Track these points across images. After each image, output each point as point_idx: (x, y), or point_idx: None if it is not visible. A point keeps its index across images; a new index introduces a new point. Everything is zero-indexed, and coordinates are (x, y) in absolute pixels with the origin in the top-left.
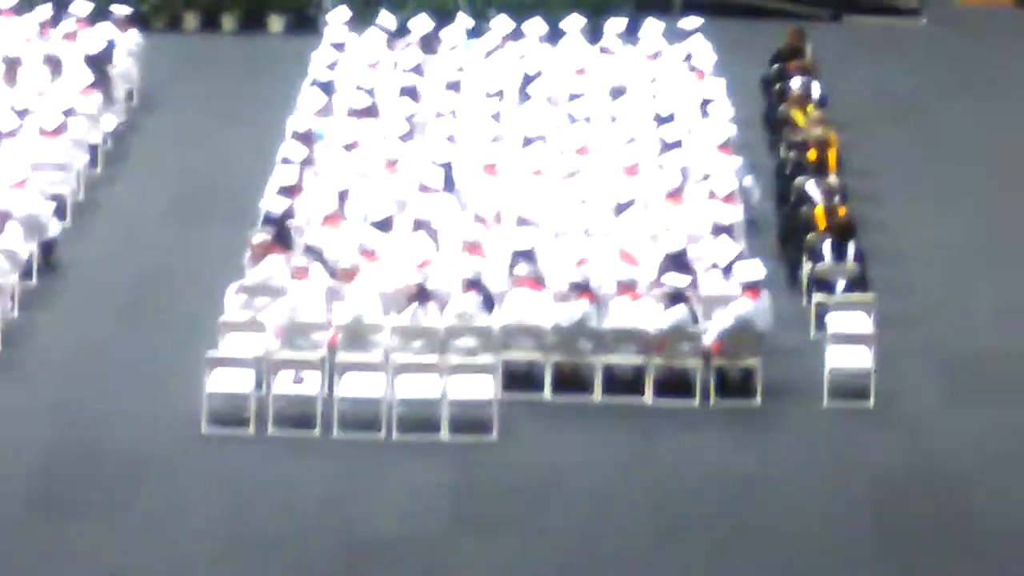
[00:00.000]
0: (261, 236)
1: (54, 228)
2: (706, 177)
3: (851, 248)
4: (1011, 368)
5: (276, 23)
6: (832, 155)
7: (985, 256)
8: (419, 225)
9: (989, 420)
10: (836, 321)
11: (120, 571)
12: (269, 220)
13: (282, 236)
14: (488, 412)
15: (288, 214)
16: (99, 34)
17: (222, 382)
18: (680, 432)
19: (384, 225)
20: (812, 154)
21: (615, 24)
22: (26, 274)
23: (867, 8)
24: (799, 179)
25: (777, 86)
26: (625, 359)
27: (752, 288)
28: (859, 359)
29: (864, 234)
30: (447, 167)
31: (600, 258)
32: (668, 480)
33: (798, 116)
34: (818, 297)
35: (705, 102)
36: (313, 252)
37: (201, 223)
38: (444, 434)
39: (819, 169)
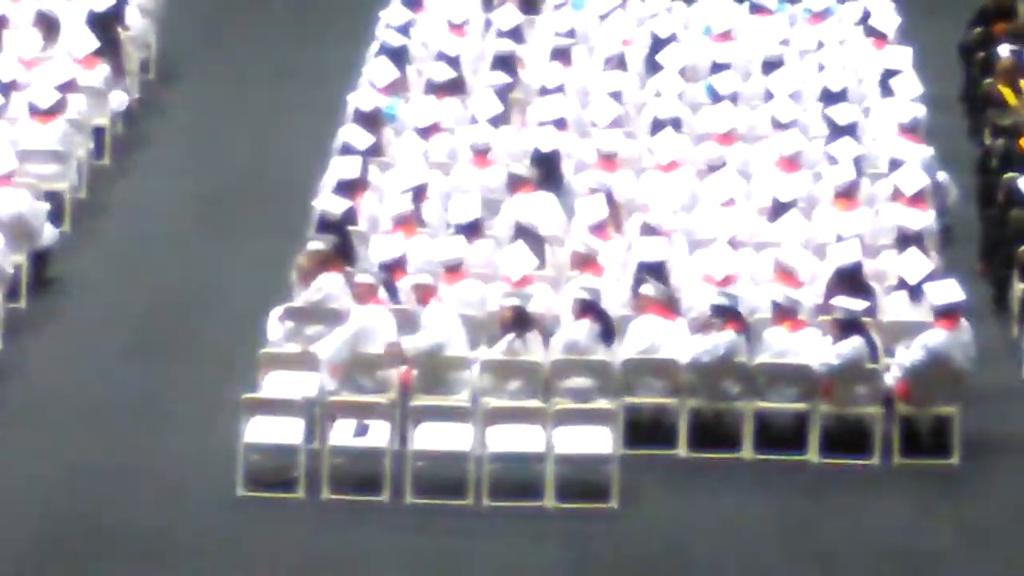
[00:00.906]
0: (315, 246)
1: (49, 235)
2: (888, 172)
3: None
4: None
5: None
6: None
7: None
8: (517, 232)
9: None
10: None
11: None
12: (324, 225)
13: (341, 246)
14: (605, 472)
15: (349, 218)
16: None
17: (263, 432)
18: (854, 498)
19: (471, 231)
20: None
21: None
22: (13, 294)
23: None
24: (1009, 174)
25: (980, 55)
26: (783, 405)
27: (948, 315)
28: None
29: None
30: (552, 158)
31: (751, 276)
32: (837, 559)
33: (1007, 93)
34: None
35: (886, 76)
36: (381, 266)
37: (236, 230)
38: (549, 500)
39: None
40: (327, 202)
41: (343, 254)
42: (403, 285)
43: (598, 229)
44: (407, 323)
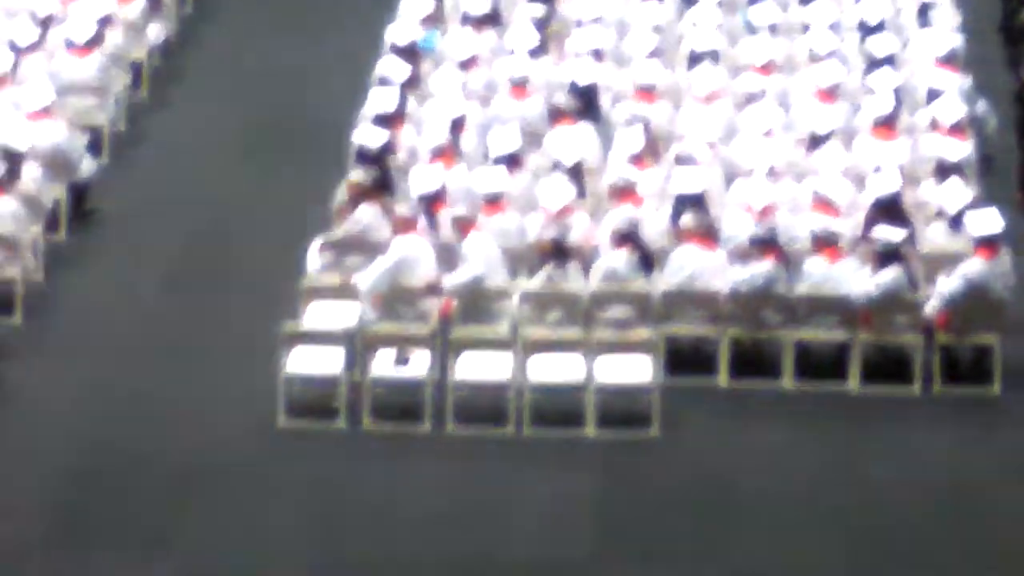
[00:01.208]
0: (354, 177)
1: (87, 167)
2: (926, 102)
3: None
4: None
5: None
6: None
7: None
8: (555, 163)
9: None
10: None
11: None
12: (363, 157)
13: (380, 178)
14: (646, 401)
15: (388, 149)
16: None
17: (304, 363)
18: (894, 427)
19: (510, 163)
20: None
21: None
22: (52, 226)
23: None
24: None
25: None
26: (823, 334)
27: (987, 244)
28: None
29: None
30: (590, 90)
31: (790, 205)
32: (877, 490)
33: None
34: None
35: (924, 6)
36: (421, 198)
37: (275, 162)
38: (589, 429)
39: None
40: (365, 134)
41: (382, 186)
42: (442, 217)
43: (636, 160)
44: (446, 254)
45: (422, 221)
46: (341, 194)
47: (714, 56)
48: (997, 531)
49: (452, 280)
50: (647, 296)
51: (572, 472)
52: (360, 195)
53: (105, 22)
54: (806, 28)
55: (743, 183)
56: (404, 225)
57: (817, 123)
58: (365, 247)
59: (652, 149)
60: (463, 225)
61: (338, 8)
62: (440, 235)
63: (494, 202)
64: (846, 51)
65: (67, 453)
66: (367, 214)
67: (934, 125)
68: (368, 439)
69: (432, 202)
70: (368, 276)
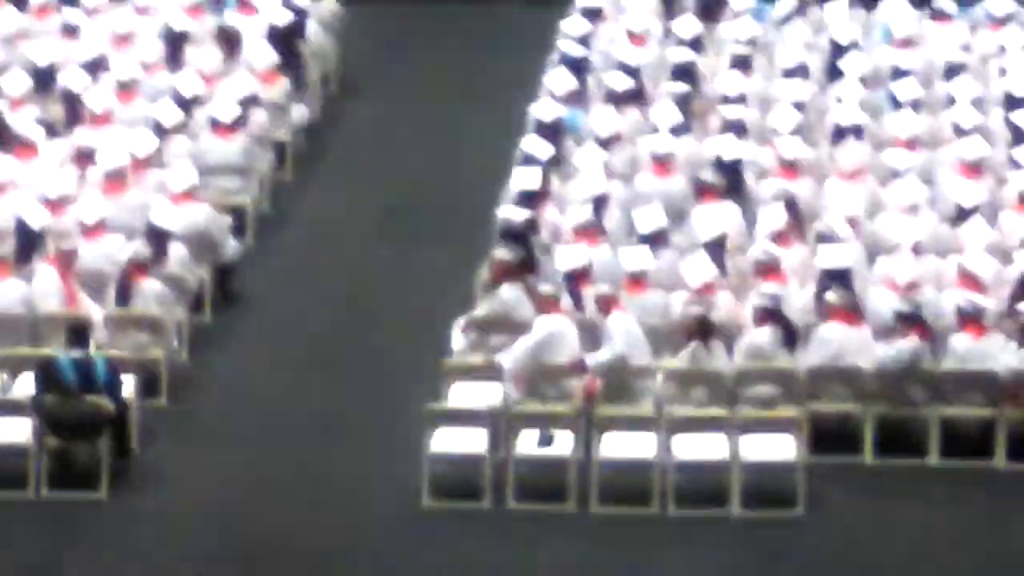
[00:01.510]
0: (497, 256)
1: (232, 249)
2: None
3: None
4: None
5: None
6: None
7: None
8: (700, 241)
9: None
10: None
11: None
12: (508, 234)
13: (524, 256)
14: (791, 479)
15: (531, 227)
16: (286, 2)
17: (448, 442)
18: None
19: (655, 241)
20: None
21: None
22: (197, 307)
23: None
24: None
25: None
26: (969, 410)
27: None
28: None
29: None
30: (735, 167)
31: (935, 281)
32: None
33: None
34: None
35: None
36: (566, 276)
37: (418, 241)
38: (735, 507)
39: None
40: (509, 212)
41: (525, 264)
42: (586, 295)
43: (780, 237)
44: (590, 333)
45: (566, 299)
46: (484, 272)
47: (858, 131)
48: None
49: (596, 359)
50: (791, 373)
51: (718, 551)
52: (504, 273)
53: (249, 103)
54: (950, 102)
55: (888, 259)
56: (548, 304)
57: (962, 198)
58: (508, 326)
59: (797, 225)
60: (606, 303)
61: (482, 85)
62: (584, 314)
63: (638, 280)
64: (991, 125)
65: (212, 536)
66: (511, 293)
67: None
68: (512, 519)
69: (577, 280)
70: (512, 355)
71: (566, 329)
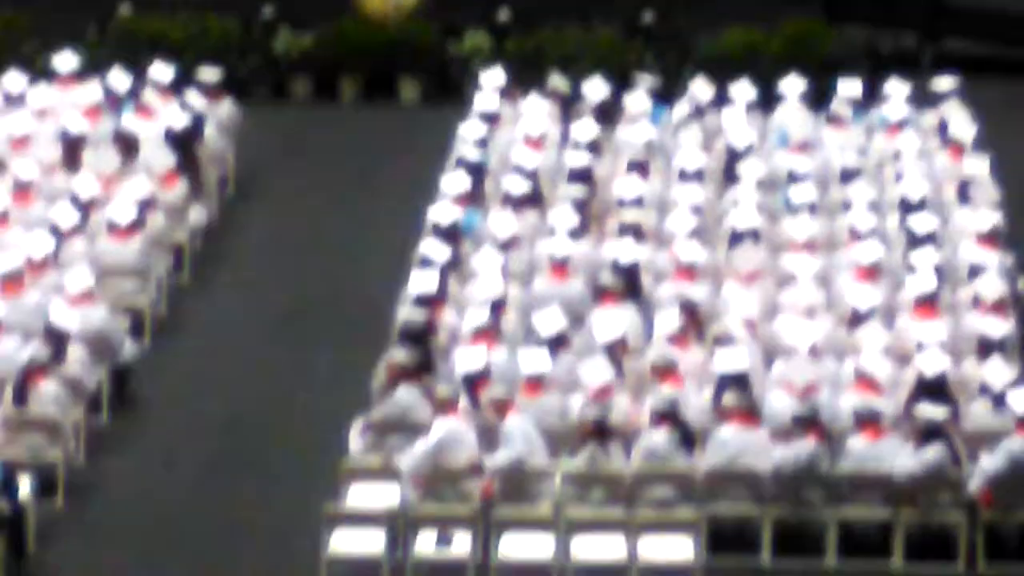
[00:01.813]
0: (395, 357)
1: (129, 351)
2: (968, 279)
3: None
4: None
5: (409, 89)
6: None
7: None
8: (597, 344)
9: None
10: None
11: None
12: (406, 336)
13: (422, 358)
14: None
15: (429, 329)
16: (183, 106)
17: (346, 544)
18: None
19: (553, 344)
20: None
21: (846, 87)
22: (94, 409)
23: None
24: None
25: None
26: (866, 512)
27: None
28: None
29: None
30: (631, 270)
31: (832, 384)
32: None
33: None
34: None
35: (964, 184)
36: (465, 379)
37: (316, 344)
38: None
39: None
40: (408, 314)
41: (423, 366)
42: (482, 398)
43: (677, 340)
44: (488, 435)
45: (464, 401)
46: (380, 374)
47: (755, 235)
48: None
49: (493, 461)
50: (689, 475)
51: None
52: (400, 376)
53: (146, 205)
54: (847, 206)
55: (784, 362)
56: (445, 406)
57: (858, 301)
58: (406, 428)
59: (694, 328)
60: (501, 407)
61: (379, 188)
62: (483, 415)
63: (535, 383)
64: (887, 229)
65: None
66: (407, 394)
67: (976, 302)
68: None
69: (475, 383)
70: (409, 457)
71: (463, 431)
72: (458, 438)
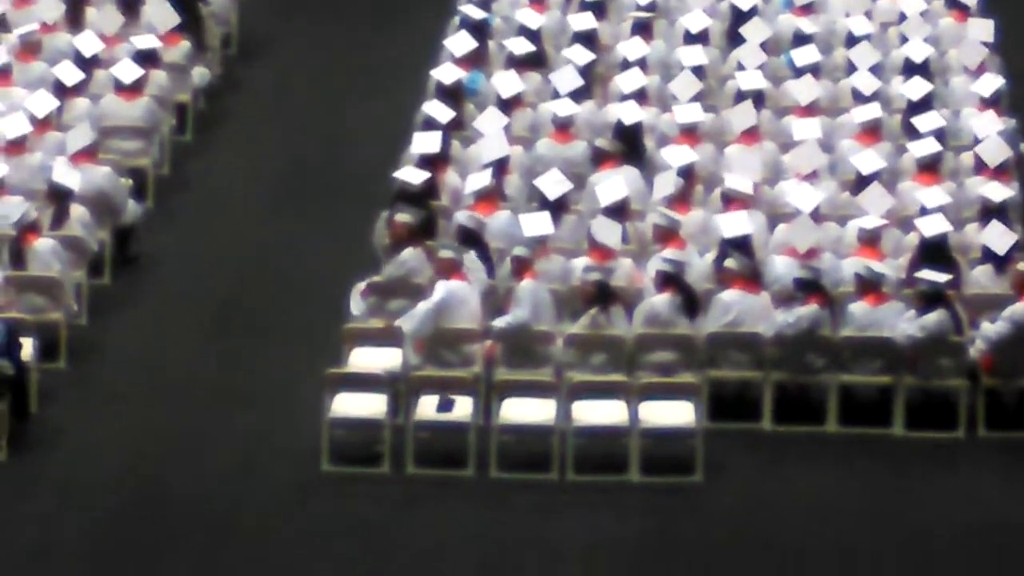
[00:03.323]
0: (400, 217)
1: (132, 211)
2: (971, 145)
3: None
4: None
5: None
6: None
7: None
8: (599, 206)
9: None
10: None
11: None
12: (406, 198)
13: (424, 219)
14: (690, 446)
15: (430, 191)
16: None
17: (347, 407)
18: (939, 472)
19: (555, 206)
20: None
21: None
22: (97, 270)
23: None
24: None
25: None
26: (868, 378)
27: None
28: None
29: None
30: (635, 132)
31: (834, 248)
32: (923, 534)
33: None
34: None
35: (968, 48)
36: (465, 239)
37: (318, 205)
38: (633, 474)
39: None
40: (407, 175)
41: (425, 228)
42: (495, 257)
43: (678, 202)
44: (492, 298)
45: (473, 261)
46: (381, 235)
47: (758, 97)
48: None
49: (499, 323)
50: (691, 340)
51: (616, 517)
52: (406, 236)
53: (149, 64)
54: (850, 69)
55: (787, 225)
56: (447, 268)
57: (861, 164)
58: (408, 290)
59: (696, 191)
60: (520, 267)
61: (384, 50)
62: (493, 277)
63: (538, 245)
64: (889, 93)
65: (109, 496)
66: (412, 256)
67: (978, 167)
68: (411, 484)
69: (477, 244)
70: (411, 318)
71: (466, 292)
72: (461, 300)
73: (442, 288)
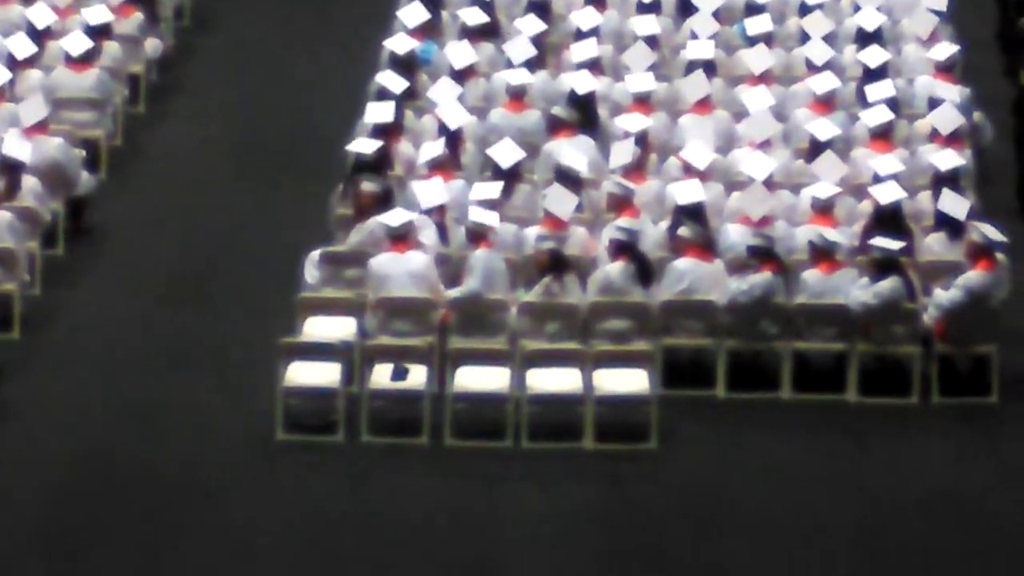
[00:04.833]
0: (366, 187)
1: (85, 182)
2: (925, 113)
3: None
4: None
5: None
6: None
7: None
8: (553, 175)
9: None
10: None
11: None
12: (360, 168)
13: (386, 188)
14: (644, 413)
15: (384, 161)
16: None
17: (302, 376)
18: (892, 438)
19: (508, 176)
20: None
21: None
22: (50, 240)
23: None
24: None
25: None
26: (821, 345)
27: (985, 254)
28: None
29: None
30: (588, 101)
31: (788, 216)
32: (876, 501)
33: None
34: None
35: (921, 15)
36: (417, 209)
37: (271, 175)
38: (588, 441)
39: None
40: (360, 145)
41: (387, 197)
42: (448, 226)
43: (633, 171)
44: (446, 267)
45: (428, 234)
46: (335, 206)
47: (711, 67)
48: (997, 541)
49: (453, 293)
50: (645, 308)
51: (570, 485)
52: (372, 205)
53: (102, 35)
54: (803, 38)
55: (740, 194)
56: (402, 237)
57: (814, 133)
58: (362, 259)
59: (649, 160)
60: (477, 235)
61: (336, 21)
62: (447, 246)
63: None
64: (843, 61)
65: (62, 467)
66: (377, 225)
67: (931, 135)
68: (366, 452)
69: (428, 214)
70: (366, 289)
71: (421, 263)
72: (415, 270)
73: (396, 257)
